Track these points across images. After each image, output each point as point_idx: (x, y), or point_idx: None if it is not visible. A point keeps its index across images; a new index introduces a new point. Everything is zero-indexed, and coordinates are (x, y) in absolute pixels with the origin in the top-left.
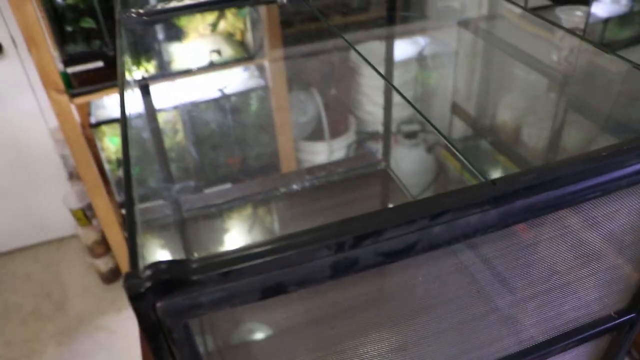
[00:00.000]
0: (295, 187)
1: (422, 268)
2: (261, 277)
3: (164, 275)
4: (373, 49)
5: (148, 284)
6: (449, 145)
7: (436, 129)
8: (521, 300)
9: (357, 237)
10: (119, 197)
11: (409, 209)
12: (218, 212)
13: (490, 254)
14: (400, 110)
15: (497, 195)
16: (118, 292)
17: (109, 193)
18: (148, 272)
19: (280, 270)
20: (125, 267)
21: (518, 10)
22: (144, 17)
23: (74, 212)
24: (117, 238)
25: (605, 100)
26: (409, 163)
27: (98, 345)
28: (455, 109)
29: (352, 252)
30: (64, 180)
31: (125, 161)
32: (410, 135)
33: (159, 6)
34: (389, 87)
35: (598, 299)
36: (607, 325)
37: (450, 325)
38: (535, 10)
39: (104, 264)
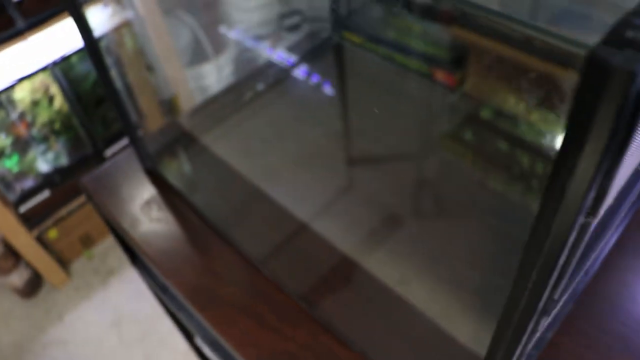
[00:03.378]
0: None
1: None
2: None
3: None
4: None
5: None
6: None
7: None
8: None
9: None
10: (11, 195)
11: None
12: None
13: None
14: (270, 9)
15: None
16: (48, 301)
17: None
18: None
19: None
20: (46, 271)
21: None
22: None
23: None
24: (24, 241)
25: None
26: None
27: None
28: None
29: None
30: None
31: None
32: (293, 28)
33: None
34: None
35: None
36: None
37: None
38: None
39: (18, 278)
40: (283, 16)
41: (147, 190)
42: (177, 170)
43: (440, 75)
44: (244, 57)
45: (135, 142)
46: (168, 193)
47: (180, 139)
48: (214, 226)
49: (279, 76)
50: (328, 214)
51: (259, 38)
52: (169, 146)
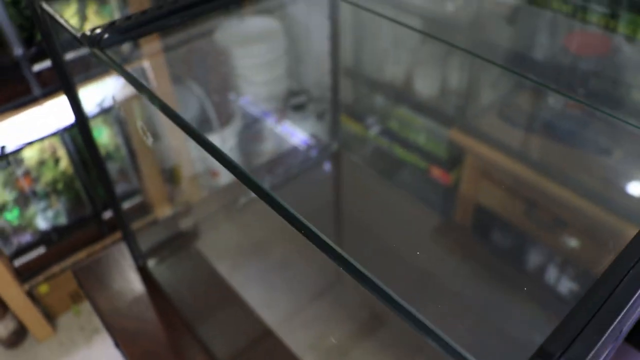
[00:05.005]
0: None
1: None
2: None
3: None
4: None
5: None
6: None
7: None
8: None
9: None
10: (8, 248)
11: None
12: None
13: None
14: (280, 85)
15: None
16: (30, 354)
17: None
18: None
19: None
20: (32, 324)
21: None
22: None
23: None
24: (14, 294)
25: None
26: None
27: None
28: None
29: None
30: None
31: None
32: (299, 107)
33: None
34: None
35: None
36: None
37: None
38: None
39: (3, 328)
40: (290, 94)
41: (136, 288)
42: (168, 271)
43: (437, 173)
44: (249, 131)
45: (128, 239)
46: (157, 294)
47: (174, 241)
48: (199, 337)
49: (279, 175)
50: (318, 339)
51: (264, 113)
52: (162, 246)
